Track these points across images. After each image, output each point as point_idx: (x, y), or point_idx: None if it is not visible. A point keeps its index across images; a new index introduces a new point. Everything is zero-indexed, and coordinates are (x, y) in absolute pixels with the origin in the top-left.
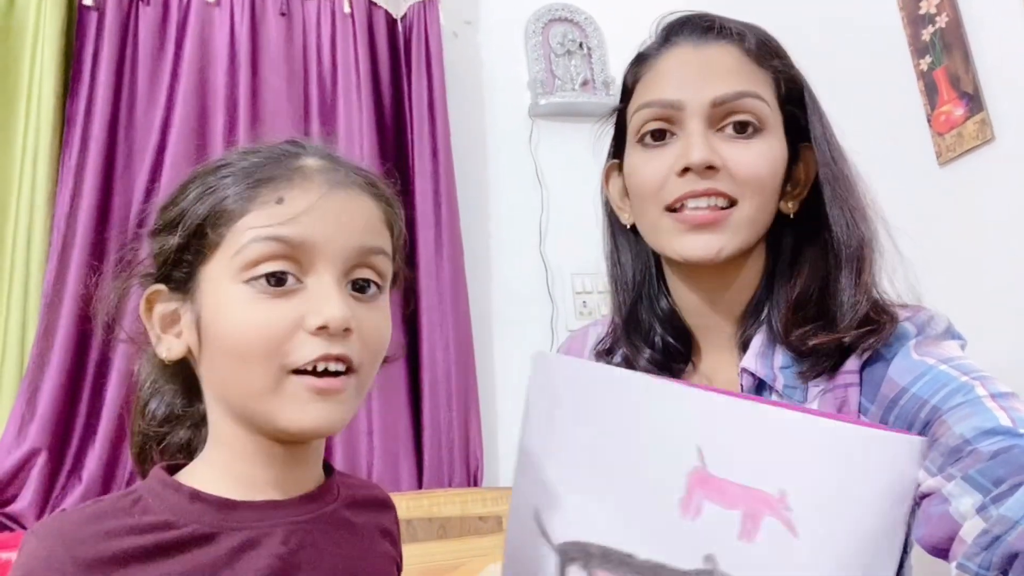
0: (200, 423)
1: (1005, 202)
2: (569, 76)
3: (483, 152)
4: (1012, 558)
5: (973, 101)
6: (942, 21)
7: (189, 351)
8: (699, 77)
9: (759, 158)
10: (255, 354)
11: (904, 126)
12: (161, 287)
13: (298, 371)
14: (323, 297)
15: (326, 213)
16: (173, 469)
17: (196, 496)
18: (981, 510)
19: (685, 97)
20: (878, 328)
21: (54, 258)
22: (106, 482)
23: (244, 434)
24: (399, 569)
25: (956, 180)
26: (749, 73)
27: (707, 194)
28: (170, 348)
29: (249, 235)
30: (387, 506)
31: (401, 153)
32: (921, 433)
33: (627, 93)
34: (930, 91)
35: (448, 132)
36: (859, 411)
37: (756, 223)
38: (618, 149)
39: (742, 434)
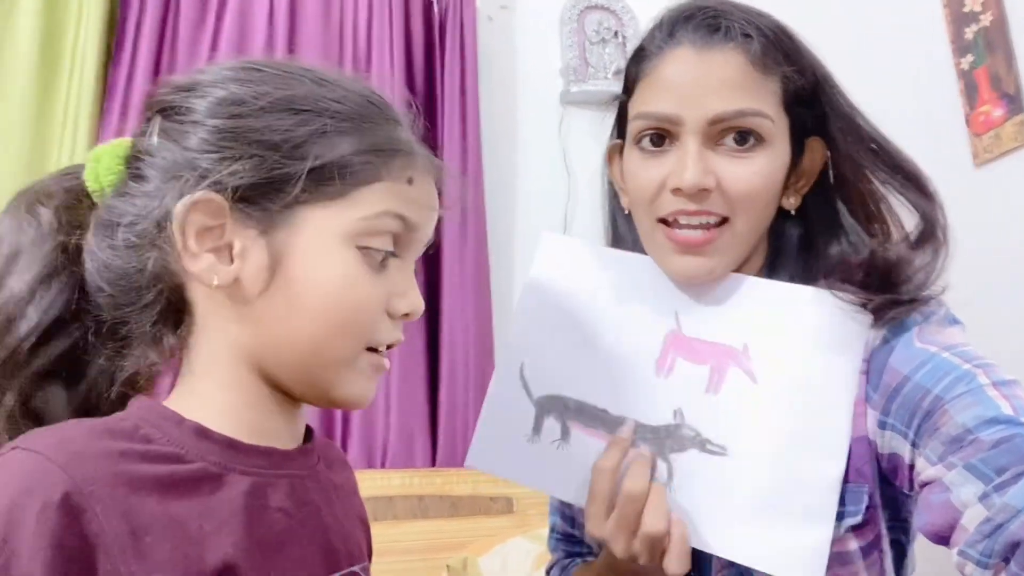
0: (145, 346)
1: None
2: (603, 64)
3: (512, 138)
4: (1014, 547)
5: (1013, 102)
6: (986, 20)
7: (234, 283)
8: (699, 90)
9: (755, 175)
10: (349, 328)
11: (940, 125)
12: (218, 198)
13: (370, 348)
14: (409, 284)
15: (429, 201)
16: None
17: (202, 432)
18: (983, 498)
19: (683, 113)
20: (904, 301)
21: None
22: None
23: (256, 383)
24: (365, 529)
25: (992, 182)
26: (752, 85)
27: (698, 214)
28: (221, 274)
29: (382, 205)
30: (345, 464)
31: (429, 135)
32: (923, 423)
33: (628, 86)
34: (970, 91)
35: (478, 116)
36: (865, 400)
37: (750, 236)
38: (621, 131)
39: (714, 297)
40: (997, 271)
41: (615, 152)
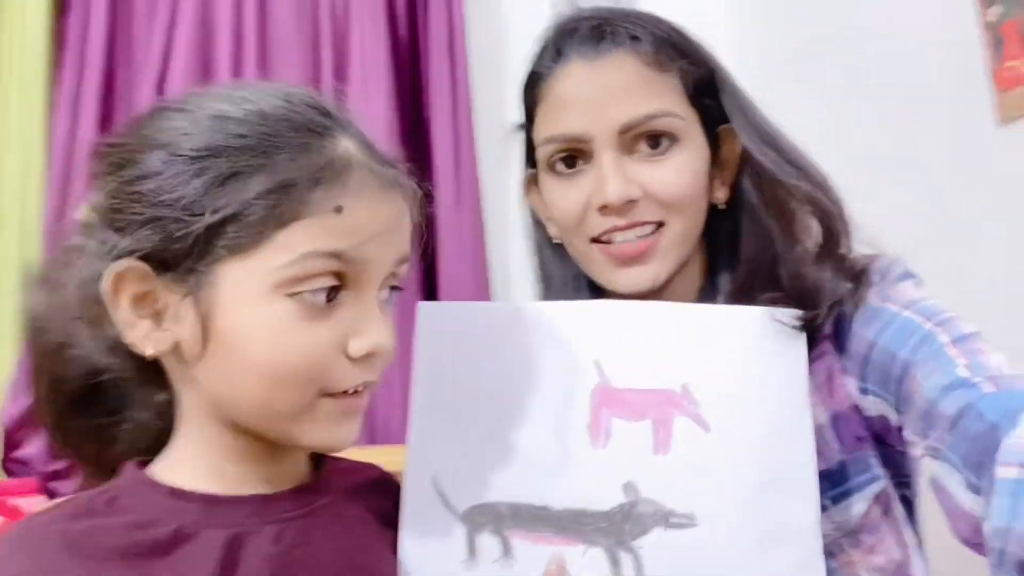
0: (154, 411)
1: None
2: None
3: (503, 92)
4: (1022, 567)
5: None
6: None
7: (175, 347)
8: (600, 102)
9: (678, 175)
10: (293, 380)
11: (962, 81)
12: (141, 266)
13: (329, 393)
14: (369, 319)
15: (378, 225)
16: (143, 465)
17: (177, 493)
18: (974, 493)
19: (589, 128)
20: (857, 288)
21: (52, 195)
22: None
23: (230, 435)
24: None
25: (1018, 141)
26: (652, 85)
27: (632, 226)
28: (156, 341)
29: (304, 247)
30: (388, 484)
31: (417, 92)
32: (898, 389)
33: (528, 113)
34: (996, 44)
35: (467, 68)
36: (843, 371)
37: (687, 237)
38: (532, 159)
39: (636, 336)
40: (1018, 232)
41: (531, 183)
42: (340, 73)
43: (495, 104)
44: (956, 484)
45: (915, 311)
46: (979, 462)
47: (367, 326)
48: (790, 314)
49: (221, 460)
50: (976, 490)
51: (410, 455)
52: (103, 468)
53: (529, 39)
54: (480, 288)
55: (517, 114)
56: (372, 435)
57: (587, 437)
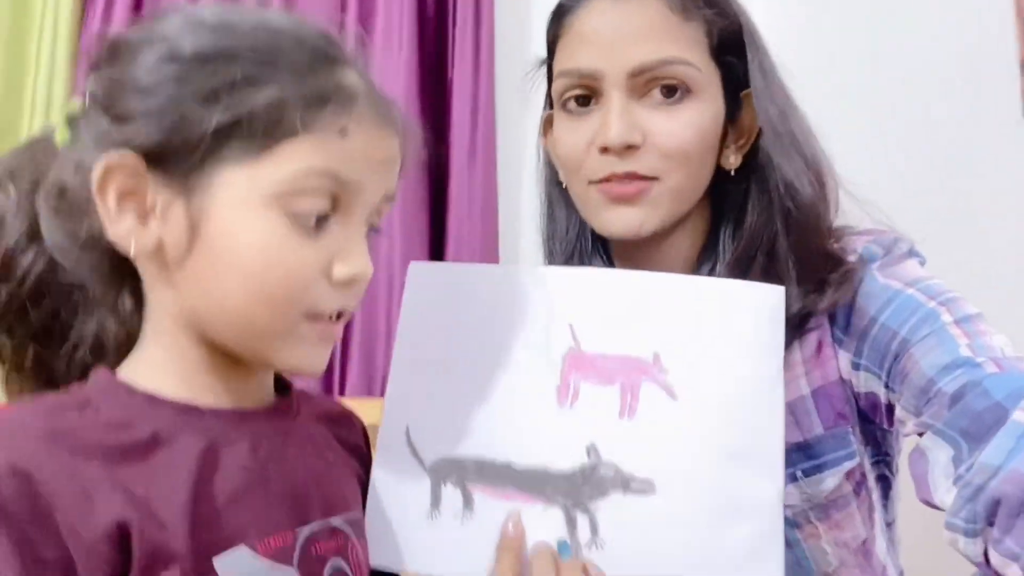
0: (114, 315)
1: None
2: None
3: (526, 59)
4: (996, 504)
5: None
6: None
7: (157, 248)
8: (617, 41)
9: (686, 128)
10: (277, 295)
11: (989, 68)
12: (134, 159)
13: (310, 315)
14: (353, 246)
15: (376, 154)
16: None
17: (153, 399)
18: (957, 464)
19: (602, 66)
20: (834, 284)
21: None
22: None
23: (202, 348)
24: (362, 484)
25: None
26: (673, 31)
27: (629, 177)
28: (140, 238)
29: (306, 162)
30: (352, 421)
31: (441, 52)
32: (893, 366)
33: (550, 47)
34: None
35: (492, 34)
36: (834, 342)
37: (683, 193)
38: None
39: (611, 303)
40: None
41: (549, 123)
42: (365, 27)
43: (517, 66)
44: (942, 455)
45: (919, 289)
46: (979, 435)
47: (352, 253)
48: (771, 291)
49: (192, 370)
50: (958, 463)
51: (387, 406)
52: (38, 373)
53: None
54: (489, 249)
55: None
56: (371, 386)
57: (555, 398)
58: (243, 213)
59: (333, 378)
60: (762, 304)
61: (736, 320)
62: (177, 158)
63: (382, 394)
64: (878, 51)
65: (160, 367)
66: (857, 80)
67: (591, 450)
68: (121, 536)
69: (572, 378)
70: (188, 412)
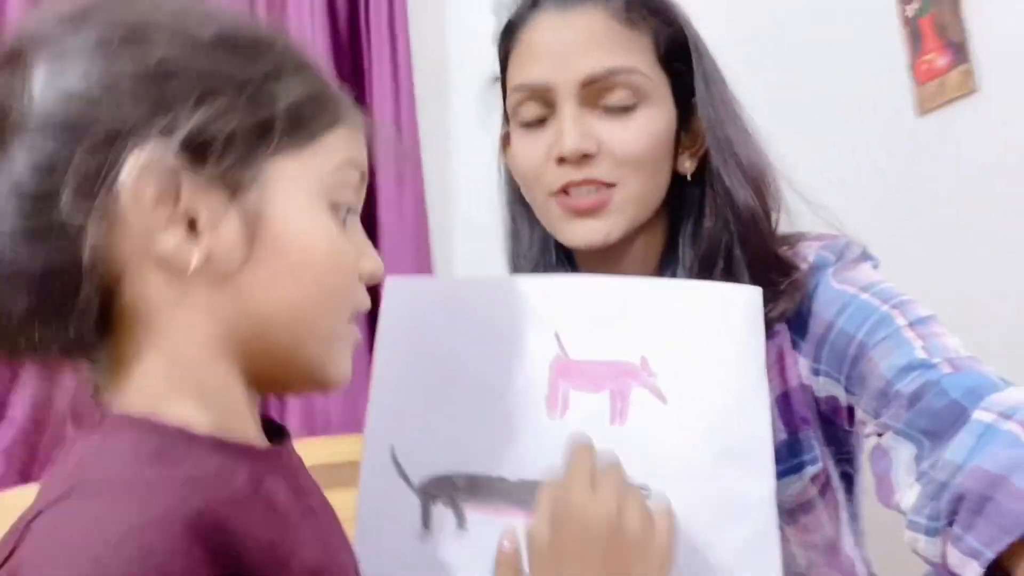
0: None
1: (985, 154)
2: None
3: (445, 79)
4: (958, 501)
5: (959, 51)
6: None
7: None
8: (565, 53)
9: (638, 135)
10: (342, 295)
11: (883, 73)
12: (170, 158)
13: (352, 316)
14: (366, 243)
15: (365, 148)
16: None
17: (219, 445)
18: (919, 462)
19: (553, 78)
20: (785, 292)
21: None
22: (39, 425)
23: (236, 379)
24: None
25: (935, 131)
26: (620, 41)
27: (586, 183)
28: (196, 251)
29: (346, 153)
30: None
31: (357, 73)
32: (852, 370)
33: (502, 64)
34: (914, 39)
35: (409, 54)
36: (793, 348)
37: (643, 198)
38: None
39: (596, 309)
40: (938, 220)
41: (507, 140)
42: None
43: (437, 95)
44: (904, 453)
45: (873, 294)
46: (938, 433)
47: (369, 248)
48: (751, 291)
49: (229, 403)
50: (920, 461)
51: (369, 427)
52: None
53: (471, 31)
54: (422, 266)
55: (458, 107)
56: (311, 426)
57: (544, 408)
58: (303, 206)
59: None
60: (741, 304)
61: (718, 320)
62: (227, 154)
63: (323, 432)
64: (777, 60)
65: (190, 401)
66: (758, 88)
67: None
68: None
69: (561, 387)
70: (248, 455)
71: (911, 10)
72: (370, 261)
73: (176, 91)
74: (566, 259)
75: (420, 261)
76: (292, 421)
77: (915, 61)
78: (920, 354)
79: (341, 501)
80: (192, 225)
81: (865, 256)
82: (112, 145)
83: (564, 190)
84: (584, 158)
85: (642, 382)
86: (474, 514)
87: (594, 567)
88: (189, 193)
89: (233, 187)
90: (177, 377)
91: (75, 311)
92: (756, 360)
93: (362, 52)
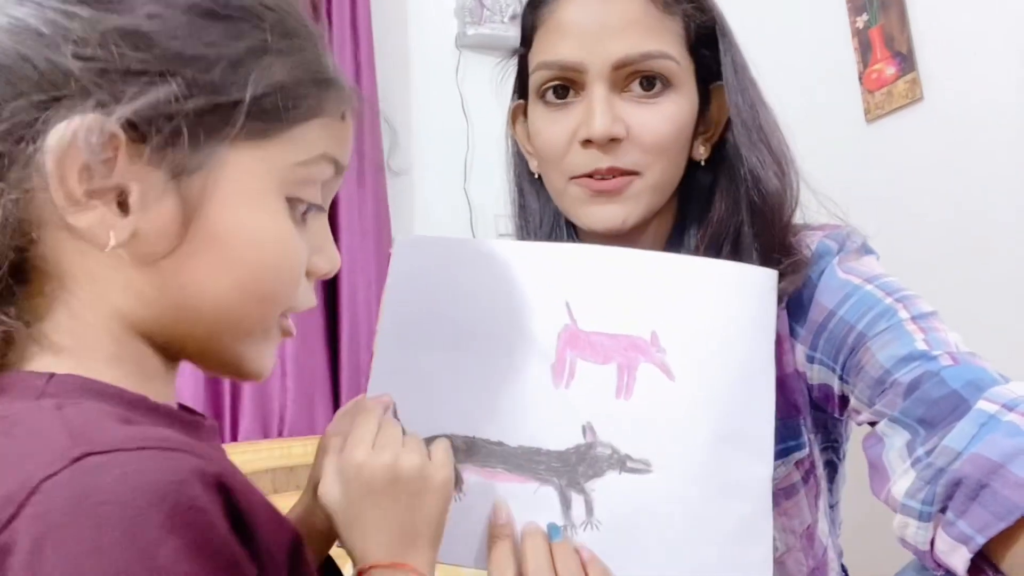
0: None
1: (930, 160)
2: (499, 7)
3: (407, 81)
4: (955, 486)
5: (906, 61)
6: None
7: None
8: (600, 34)
9: (665, 121)
10: (278, 292)
11: (835, 82)
12: (113, 127)
13: (285, 313)
14: (327, 238)
15: (351, 140)
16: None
17: (174, 415)
18: (911, 450)
19: (585, 59)
20: (785, 275)
21: None
22: None
23: (151, 353)
24: None
25: (883, 137)
26: (654, 25)
27: (611, 172)
28: (115, 228)
29: (320, 147)
30: None
31: None
32: (848, 359)
33: (526, 37)
34: (864, 49)
35: (372, 56)
36: (791, 335)
37: (662, 186)
38: (523, 89)
39: (608, 281)
40: (885, 222)
41: (518, 113)
42: None
43: (399, 96)
44: (898, 440)
45: (877, 286)
46: (934, 422)
47: (328, 245)
48: (767, 273)
49: (147, 381)
50: (912, 449)
51: (371, 383)
52: None
53: (433, 35)
54: (384, 274)
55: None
56: (266, 429)
57: (550, 376)
58: (252, 199)
59: (224, 422)
60: (758, 285)
61: (733, 300)
62: (173, 132)
63: (280, 435)
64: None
65: (112, 375)
66: None
67: (587, 429)
68: (295, 550)
69: (568, 356)
70: (194, 425)
71: (861, 21)
72: (325, 259)
73: (136, 61)
74: (575, 237)
75: (381, 262)
76: (246, 423)
77: (865, 70)
78: (921, 346)
79: None
80: (122, 202)
81: (866, 247)
82: (46, 104)
83: (587, 175)
84: (611, 142)
85: (650, 358)
86: (472, 477)
87: (383, 513)
88: (124, 168)
89: (176, 169)
90: (92, 344)
91: None
92: (767, 342)
93: None
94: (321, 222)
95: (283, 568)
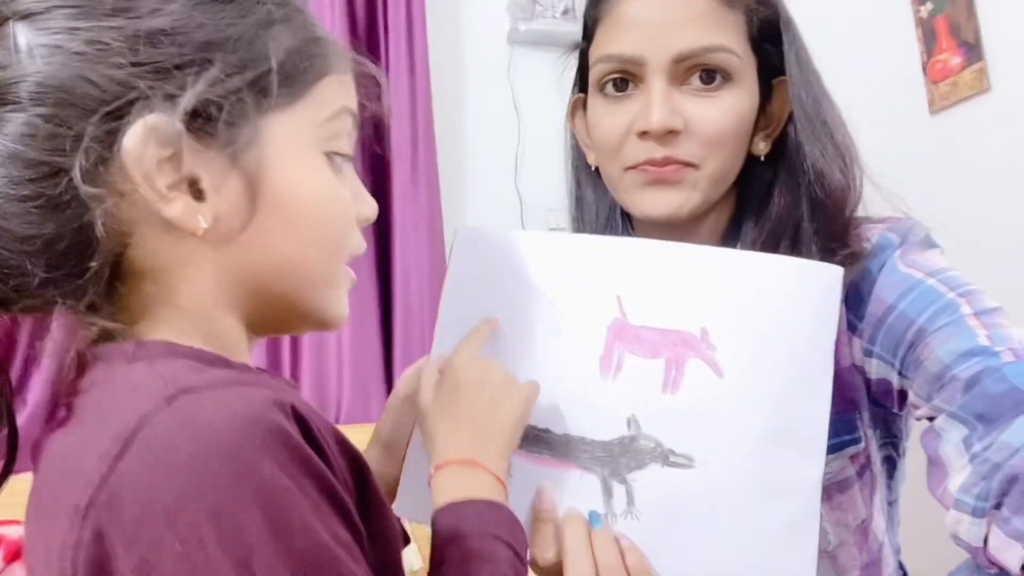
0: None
1: (998, 152)
2: (551, 3)
3: (460, 77)
4: (1011, 482)
5: (972, 51)
6: None
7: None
8: (662, 27)
9: (724, 115)
10: (341, 241)
11: (898, 72)
12: (172, 123)
13: (349, 260)
14: (360, 187)
15: (355, 95)
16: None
17: (249, 369)
18: (968, 445)
19: (646, 52)
20: (845, 265)
21: None
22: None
23: (239, 328)
24: None
25: (948, 129)
26: (717, 19)
27: (666, 163)
28: (202, 213)
29: (339, 101)
30: None
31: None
32: (907, 354)
33: (588, 31)
34: (928, 38)
35: (426, 52)
36: (849, 329)
37: (719, 179)
38: (583, 82)
39: (660, 276)
40: (950, 215)
41: (578, 107)
42: None
43: (452, 92)
44: (955, 435)
45: (940, 280)
46: (993, 418)
47: (363, 192)
48: (833, 269)
49: (226, 349)
50: (970, 444)
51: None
52: None
53: (485, 31)
54: (436, 265)
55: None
56: (324, 416)
57: (598, 368)
58: (300, 160)
59: None
60: (823, 282)
61: (792, 299)
62: (225, 114)
63: (337, 421)
64: None
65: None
66: None
67: (631, 422)
68: (359, 469)
69: (616, 349)
70: (268, 382)
71: (925, 11)
72: (366, 205)
73: (175, 56)
74: (631, 230)
75: (434, 254)
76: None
77: (929, 61)
78: (983, 341)
79: None
80: (196, 189)
81: (929, 240)
82: (114, 113)
83: (643, 167)
84: (668, 134)
85: (699, 354)
86: (518, 460)
87: (466, 410)
88: (191, 157)
89: (233, 149)
90: (189, 329)
91: (88, 273)
92: (827, 342)
93: (380, 50)
94: (351, 172)
95: (351, 485)
